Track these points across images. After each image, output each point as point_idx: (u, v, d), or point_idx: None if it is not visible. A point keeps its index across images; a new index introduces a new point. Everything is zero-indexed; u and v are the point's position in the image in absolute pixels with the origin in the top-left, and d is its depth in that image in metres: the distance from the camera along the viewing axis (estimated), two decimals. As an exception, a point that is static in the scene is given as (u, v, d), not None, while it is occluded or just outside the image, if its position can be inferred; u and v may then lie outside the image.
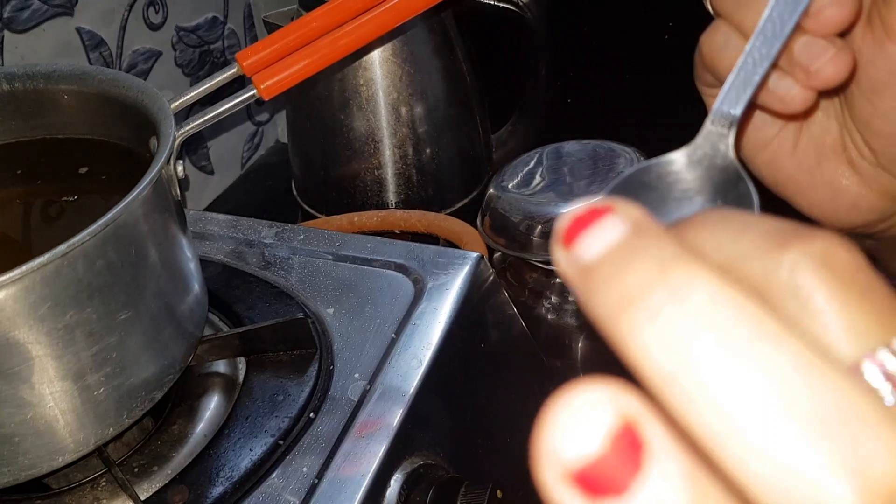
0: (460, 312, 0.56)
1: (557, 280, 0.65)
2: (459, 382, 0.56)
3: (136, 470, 0.47)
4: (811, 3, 0.30)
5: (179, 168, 0.47)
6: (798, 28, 0.30)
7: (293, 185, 0.89)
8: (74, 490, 0.47)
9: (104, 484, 0.47)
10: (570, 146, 0.68)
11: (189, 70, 0.91)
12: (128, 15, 0.82)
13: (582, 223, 0.16)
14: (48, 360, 0.40)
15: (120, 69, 0.82)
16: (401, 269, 0.59)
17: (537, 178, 0.66)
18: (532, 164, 0.68)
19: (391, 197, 0.81)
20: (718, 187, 0.29)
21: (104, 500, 0.46)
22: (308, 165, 0.85)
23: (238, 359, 0.54)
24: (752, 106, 0.32)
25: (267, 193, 0.97)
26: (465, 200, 0.83)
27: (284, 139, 1.05)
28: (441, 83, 0.80)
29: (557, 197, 0.64)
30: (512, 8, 0.79)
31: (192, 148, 0.94)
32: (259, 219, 0.91)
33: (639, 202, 0.28)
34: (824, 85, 0.31)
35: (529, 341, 0.64)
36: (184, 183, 0.48)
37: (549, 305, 0.65)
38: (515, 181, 0.67)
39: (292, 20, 0.79)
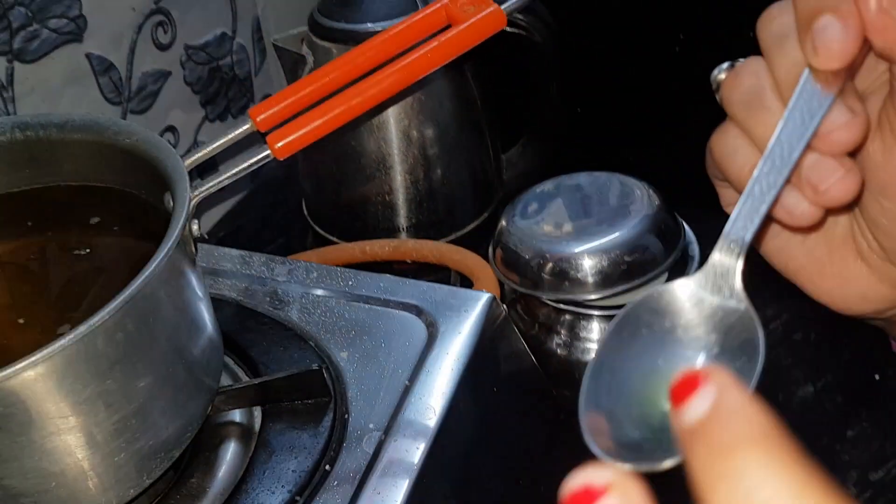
0: (473, 357, 0.56)
1: (567, 316, 0.66)
2: (473, 427, 0.56)
3: (157, 525, 0.48)
4: (820, 125, 0.30)
5: (195, 227, 0.48)
6: (807, 147, 0.30)
7: (304, 204, 0.90)
8: (96, 546, 0.48)
9: (125, 540, 0.48)
10: (581, 178, 0.68)
11: (198, 87, 0.91)
12: (136, 37, 0.82)
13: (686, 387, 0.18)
14: (70, 433, 0.41)
15: (130, 92, 0.82)
16: (414, 310, 0.59)
17: (548, 212, 0.67)
18: (543, 195, 0.68)
19: (402, 221, 0.81)
20: (726, 320, 0.29)
21: (126, 557, 0.47)
22: (319, 189, 0.85)
23: (254, 407, 0.54)
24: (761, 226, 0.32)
25: (276, 210, 0.97)
26: (476, 223, 0.84)
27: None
28: (451, 107, 0.80)
29: (568, 234, 0.64)
30: (520, 32, 0.79)
31: (202, 167, 0.94)
32: (270, 238, 0.92)
33: (648, 329, 0.28)
34: (832, 205, 0.31)
35: (540, 376, 0.65)
36: (199, 240, 0.48)
37: (559, 341, 0.66)
38: (526, 214, 0.67)
39: (302, 42, 0.79)
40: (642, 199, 0.64)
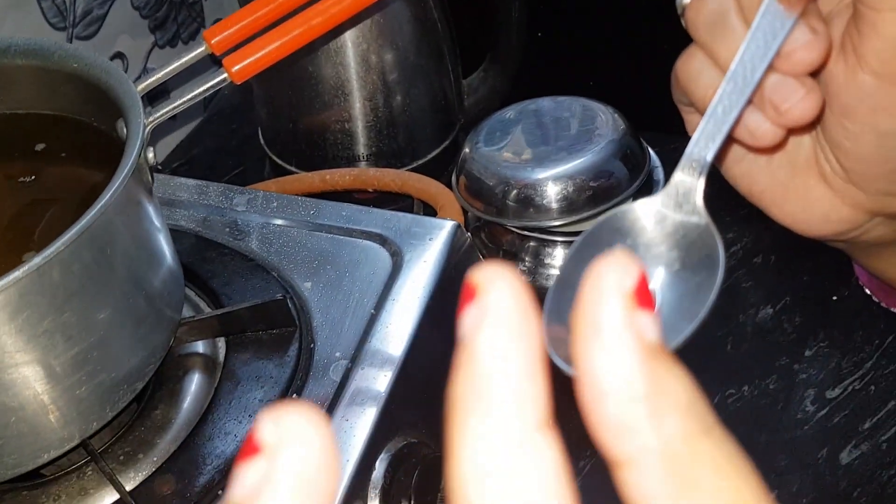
0: (438, 285, 0.56)
1: (532, 243, 0.66)
2: (439, 355, 0.56)
3: (122, 458, 0.48)
4: (783, 45, 0.30)
5: (150, 155, 0.46)
6: (770, 67, 0.30)
7: (260, 133, 0.87)
8: (60, 479, 0.47)
9: (90, 473, 0.47)
10: (546, 103, 0.67)
11: (147, 12, 0.87)
12: (80, -43, 0.78)
13: None
14: (29, 367, 0.40)
15: (74, 17, 0.78)
16: (378, 239, 0.59)
17: (512, 139, 0.66)
18: (506, 121, 0.67)
19: (361, 150, 0.79)
20: (687, 237, 0.29)
21: (91, 490, 0.47)
22: (276, 116, 0.83)
23: (217, 338, 0.54)
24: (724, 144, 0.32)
25: (232, 138, 0.95)
26: (437, 150, 0.82)
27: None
28: (411, 30, 0.77)
29: (533, 160, 0.63)
30: (483, -49, 0.76)
31: (153, 94, 0.91)
32: (226, 168, 0.89)
33: (610, 248, 0.28)
34: (794, 124, 0.32)
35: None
36: (154, 169, 0.47)
37: (523, 268, 0.66)
38: (490, 141, 0.66)
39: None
40: (607, 123, 0.64)
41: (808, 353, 0.68)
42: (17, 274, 0.36)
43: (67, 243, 0.38)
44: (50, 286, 0.39)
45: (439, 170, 0.80)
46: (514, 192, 0.63)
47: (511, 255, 0.66)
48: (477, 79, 0.86)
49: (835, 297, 0.72)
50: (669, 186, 0.29)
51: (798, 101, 0.31)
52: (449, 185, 0.69)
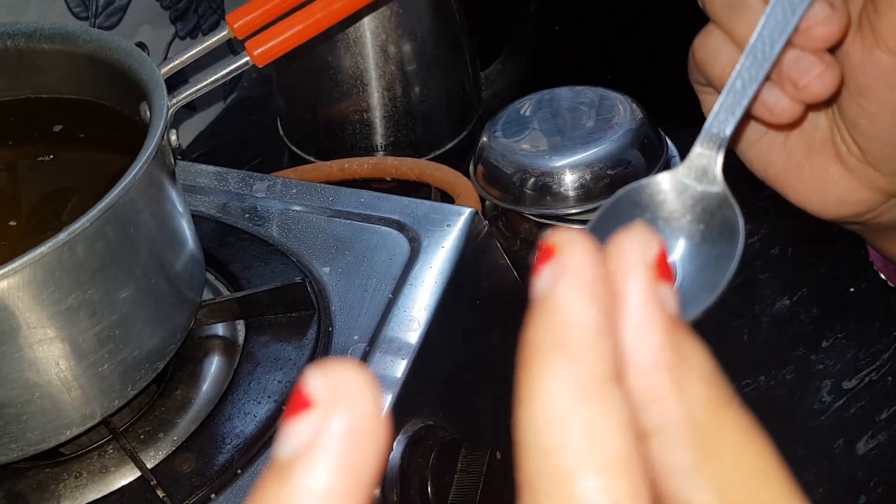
0: (456, 270, 0.56)
1: (549, 231, 0.66)
2: (456, 340, 0.56)
3: (142, 437, 0.48)
4: (801, 20, 0.30)
5: (173, 138, 0.47)
6: (788, 43, 0.30)
7: (279, 123, 0.88)
8: (82, 457, 0.48)
9: (111, 451, 0.48)
10: (563, 93, 0.68)
11: (167, 3, 0.88)
12: (102, -52, 0.79)
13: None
14: (53, 343, 0.41)
15: (97, 6, 0.79)
16: (396, 225, 0.59)
17: (529, 128, 0.66)
18: (524, 111, 0.68)
19: (379, 140, 0.80)
20: (706, 210, 0.30)
21: (112, 468, 0.47)
22: (295, 106, 0.83)
23: (237, 321, 0.54)
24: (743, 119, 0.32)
25: (251, 129, 0.95)
26: (455, 141, 0.83)
27: (267, 70, 1.03)
28: (430, 21, 0.78)
29: (550, 149, 0.64)
30: (502, -57, 0.77)
31: (173, 83, 0.92)
32: (246, 158, 0.90)
33: (630, 220, 0.29)
34: (812, 100, 0.32)
35: (522, 291, 0.65)
36: (177, 150, 0.47)
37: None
38: (508, 130, 0.67)
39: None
40: (625, 113, 0.64)
41: (825, 343, 0.68)
42: (42, 249, 0.37)
43: (92, 220, 0.38)
44: (74, 263, 0.39)
45: (457, 160, 0.80)
46: (532, 180, 0.63)
47: (528, 242, 0.67)
48: (494, 71, 0.86)
49: (852, 289, 0.72)
50: (688, 160, 0.30)
51: (816, 77, 0.31)
52: (467, 175, 0.70)
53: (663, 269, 0.17)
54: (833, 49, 0.32)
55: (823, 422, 0.64)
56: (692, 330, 0.18)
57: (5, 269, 0.36)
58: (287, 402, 0.16)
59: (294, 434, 0.16)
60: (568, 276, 0.17)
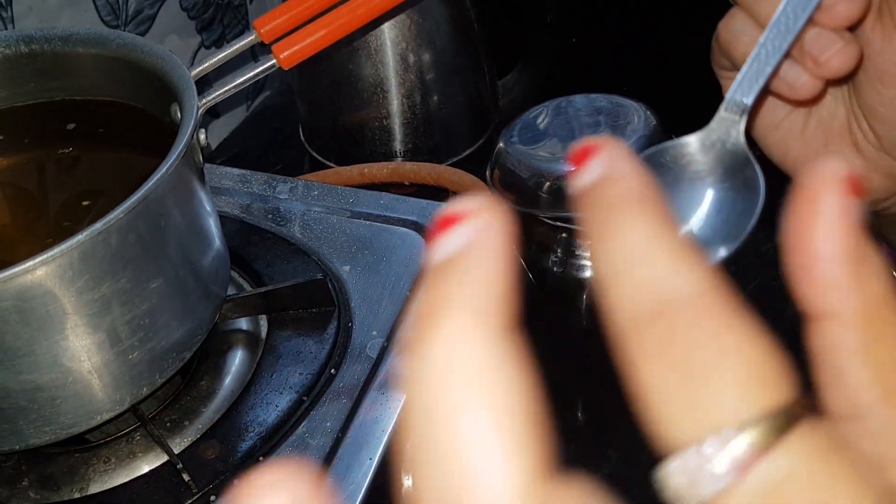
0: (472, 270, 0.57)
1: (564, 234, 0.67)
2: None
3: (168, 424, 0.50)
4: None
5: (202, 136, 0.49)
6: (809, 20, 0.32)
7: (301, 130, 0.90)
8: (110, 443, 0.50)
9: (138, 438, 0.50)
10: (578, 100, 0.69)
11: (194, 13, 0.91)
12: (133, -41, 0.81)
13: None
14: (86, 329, 0.42)
15: (127, 15, 0.82)
16: (414, 226, 0.61)
17: (546, 134, 0.67)
18: (540, 118, 0.69)
19: (398, 146, 0.82)
20: (728, 170, 0.31)
21: (139, 453, 0.49)
22: (316, 113, 0.85)
23: (260, 316, 0.56)
24: (764, 93, 0.34)
25: (273, 137, 0.98)
26: (472, 148, 0.84)
27: (288, 80, 1.06)
28: (448, 30, 0.80)
29: (565, 154, 0.65)
30: (520, -45, 0.79)
31: (200, 88, 0.94)
32: (268, 164, 0.92)
33: (655, 182, 0.30)
34: (832, 75, 0.33)
35: (536, 293, 0.66)
36: (205, 150, 0.49)
37: (555, 259, 0.67)
38: (524, 136, 0.68)
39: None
40: (638, 119, 0.65)
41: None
42: (79, 238, 0.39)
43: (126, 211, 0.40)
44: (108, 252, 0.41)
45: (473, 167, 0.82)
46: (547, 184, 0.65)
47: (543, 246, 0.68)
48: (511, 80, 0.88)
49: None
50: (712, 123, 0.31)
51: (836, 53, 0.32)
52: (483, 180, 0.71)
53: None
54: (852, 28, 0.33)
55: (834, 425, 0.65)
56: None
57: (44, 256, 0.38)
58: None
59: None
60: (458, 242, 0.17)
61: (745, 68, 0.32)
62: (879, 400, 0.18)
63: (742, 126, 0.32)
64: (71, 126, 0.56)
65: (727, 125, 0.31)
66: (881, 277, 0.19)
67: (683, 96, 0.68)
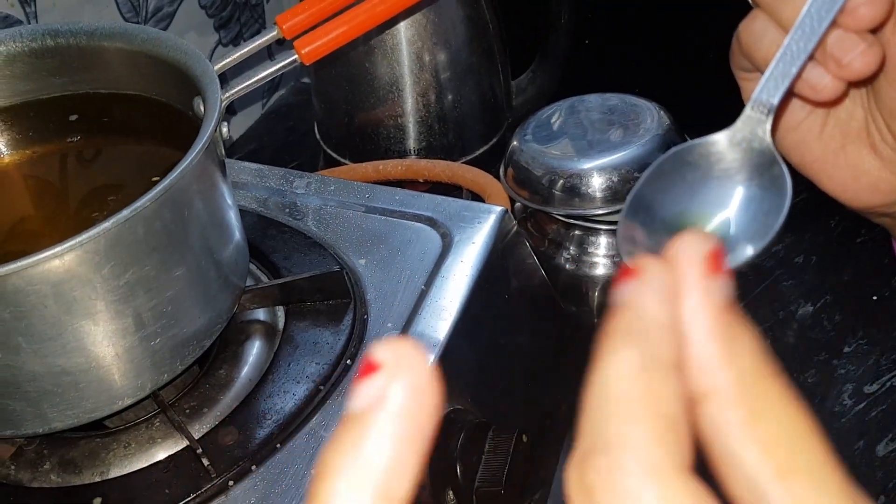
0: (486, 265, 0.58)
1: (576, 232, 0.68)
2: (485, 331, 0.59)
3: (188, 411, 0.51)
4: (847, 1, 0.32)
5: (224, 129, 0.50)
6: (833, 23, 0.32)
7: (316, 128, 0.91)
8: (130, 429, 0.51)
9: (158, 424, 0.50)
10: (592, 99, 0.70)
11: (212, 11, 0.92)
12: (153, -42, 0.82)
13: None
14: (112, 315, 0.43)
15: (147, 12, 0.83)
16: (429, 221, 0.62)
17: (559, 132, 0.68)
18: (554, 116, 0.70)
19: (413, 144, 0.83)
20: (755, 168, 0.32)
21: (158, 439, 0.50)
22: (332, 111, 0.86)
23: (277, 307, 0.57)
24: (787, 94, 0.35)
25: (289, 135, 0.99)
26: (486, 147, 0.85)
27: (304, 78, 1.07)
28: (464, 30, 0.81)
29: (579, 152, 0.66)
30: (536, -44, 0.80)
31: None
32: (283, 162, 0.93)
33: (681, 179, 0.31)
34: (854, 77, 0.33)
35: (549, 289, 0.67)
36: (227, 142, 0.50)
37: (567, 256, 0.68)
38: (538, 134, 0.69)
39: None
40: (652, 118, 0.66)
41: (847, 349, 0.70)
42: (106, 225, 0.40)
43: (152, 200, 0.41)
44: (134, 240, 0.42)
45: (487, 166, 0.83)
46: (560, 181, 0.65)
47: (556, 244, 0.69)
48: (526, 79, 0.89)
49: (875, 297, 0.73)
50: (738, 122, 0.32)
51: (859, 55, 0.32)
52: (497, 178, 0.72)
53: (714, 264, 0.20)
54: (875, 30, 0.34)
55: (844, 424, 0.65)
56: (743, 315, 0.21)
57: (72, 243, 0.39)
58: (358, 368, 0.20)
59: (366, 390, 0.19)
60: (645, 285, 0.20)
61: (770, 68, 0.33)
62: (774, 478, 0.18)
63: (768, 125, 0.32)
64: (95, 119, 0.57)
65: (753, 124, 0.32)
66: (753, 349, 0.19)
67: (697, 96, 0.69)
